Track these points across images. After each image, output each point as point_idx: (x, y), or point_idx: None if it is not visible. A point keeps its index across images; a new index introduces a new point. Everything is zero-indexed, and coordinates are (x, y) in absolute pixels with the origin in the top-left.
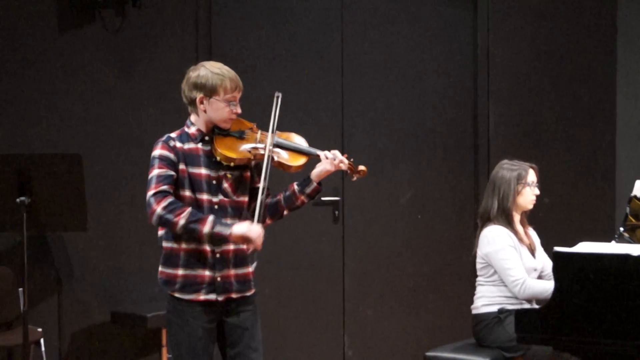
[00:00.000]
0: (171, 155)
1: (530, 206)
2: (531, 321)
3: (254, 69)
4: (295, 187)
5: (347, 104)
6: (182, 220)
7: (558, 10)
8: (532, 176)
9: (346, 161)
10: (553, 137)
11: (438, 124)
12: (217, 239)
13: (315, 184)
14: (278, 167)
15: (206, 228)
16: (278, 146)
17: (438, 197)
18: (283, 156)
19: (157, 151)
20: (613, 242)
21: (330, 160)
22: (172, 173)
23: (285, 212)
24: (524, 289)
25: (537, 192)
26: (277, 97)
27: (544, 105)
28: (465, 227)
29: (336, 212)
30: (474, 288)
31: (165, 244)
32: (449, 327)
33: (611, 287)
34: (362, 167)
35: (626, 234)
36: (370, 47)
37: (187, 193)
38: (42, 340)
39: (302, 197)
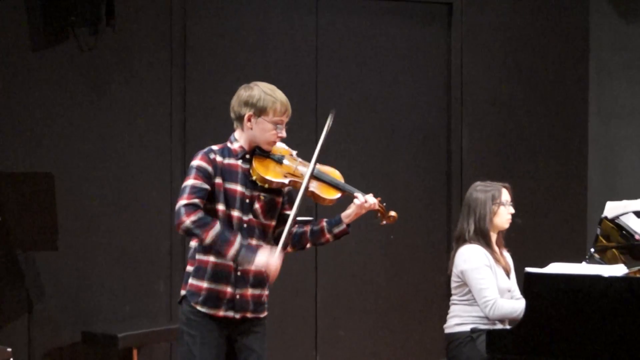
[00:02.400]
0: (209, 168)
1: (507, 225)
2: (503, 341)
3: (229, 88)
4: (325, 224)
5: (320, 124)
6: (208, 240)
7: (531, 28)
8: (505, 195)
9: (378, 206)
10: (525, 157)
11: (411, 142)
12: (239, 263)
13: (344, 226)
14: (310, 197)
15: (232, 250)
16: (315, 177)
17: (411, 218)
18: (318, 187)
19: (196, 161)
20: (584, 263)
21: (362, 203)
22: (207, 187)
23: (308, 245)
24: (494, 309)
25: (512, 210)
26: (330, 118)
27: (517, 125)
28: (438, 247)
29: None
30: (446, 308)
31: (196, 256)
32: (422, 346)
33: (582, 307)
34: (392, 213)
35: (597, 255)
36: (343, 66)
37: (220, 207)
38: None
39: (329, 236)
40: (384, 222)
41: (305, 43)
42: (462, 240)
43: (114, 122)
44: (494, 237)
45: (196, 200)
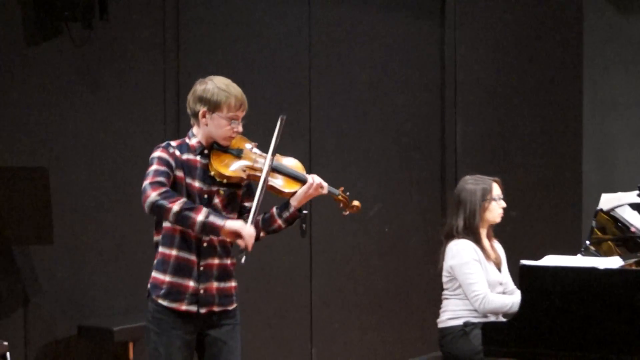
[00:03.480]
0: (170, 159)
1: (498, 219)
2: (498, 334)
3: None
4: (274, 210)
5: (314, 118)
6: (176, 207)
7: (525, 21)
8: (496, 190)
9: (325, 185)
10: (520, 151)
11: (405, 137)
12: (209, 230)
13: (292, 209)
14: (270, 191)
15: (200, 216)
16: (274, 170)
17: (405, 211)
18: (277, 181)
19: (157, 153)
20: (579, 255)
21: (309, 184)
22: (170, 172)
23: (262, 235)
24: (484, 304)
25: (504, 204)
26: (282, 120)
27: (511, 119)
28: (432, 240)
29: (304, 225)
30: (440, 301)
31: (160, 249)
32: (415, 340)
33: (578, 300)
34: (355, 203)
35: (592, 247)
36: (337, 61)
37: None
38: (7, 354)
39: (279, 221)
40: (347, 212)
41: (299, 36)
42: (450, 236)
43: (108, 116)
44: (483, 232)
45: (161, 179)
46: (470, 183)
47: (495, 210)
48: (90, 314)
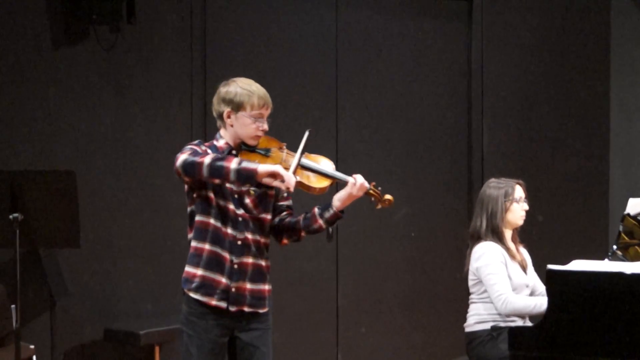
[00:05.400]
0: (200, 150)
1: (520, 222)
2: (525, 339)
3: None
4: (316, 210)
5: (341, 121)
6: (207, 159)
7: (552, 25)
8: (519, 192)
9: (368, 185)
10: (547, 154)
11: (432, 140)
12: (245, 175)
13: (334, 210)
14: (300, 188)
15: (233, 164)
16: (303, 167)
17: (432, 215)
18: (306, 177)
19: (189, 145)
20: (606, 260)
21: (352, 184)
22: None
23: (302, 234)
24: (505, 304)
25: (526, 207)
26: (305, 137)
27: (538, 122)
28: (459, 245)
29: (330, 230)
30: (467, 306)
31: (192, 244)
32: (442, 344)
33: (604, 305)
34: (388, 197)
35: (619, 252)
36: (364, 63)
37: (211, 195)
38: (34, 358)
39: (321, 222)
40: (380, 205)
41: (326, 40)
42: (476, 238)
43: (134, 120)
44: (507, 233)
45: (193, 151)
46: (494, 184)
47: (517, 212)
48: (117, 318)
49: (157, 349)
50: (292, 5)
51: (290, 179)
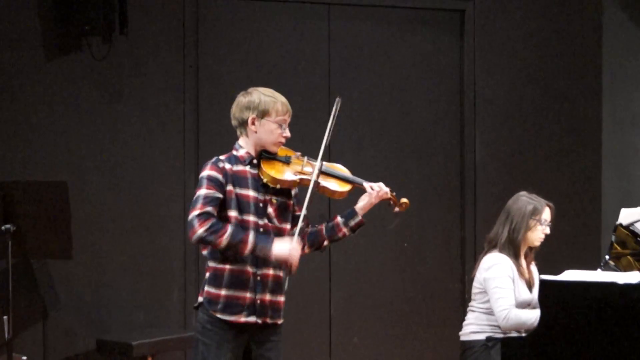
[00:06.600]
0: (219, 177)
1: (537, 243)
2: (518, 349)
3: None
4: (339, 219)
5: (333, 131)
6: (224, 243)
7: (544, 36)
8: (547, 214)
9: (389, 193)
10: (539, 166)
11: (425, 152)
12: (261, 256)
13: (359, 218)
14: (322, 193)
15: (247, 250)
16: (324, 173)
17: (425, 225)
18: (328, 183)
19: (206, 172)
20: (599, 270)
21: (376, 192)
22: (219, 195)
23: (325, 243)
24: (507, 320)
25: (548, 231)
26: (337, 103)
27: (530, 133)
28: (451, 255)
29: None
30: (461, 315)
31: (210, 264)
32: (435, 355)
33: (597, 315)
34: (404, 200)
35: (612, 262)
36: (356, 77)
37: (234, 214)
38: None
39: (345, 230)
40: (397, 209)
41: (318, 50)
42: (493, 245)
43: (127, 131)
44: (523, 249)
45: (209, 209)
46: (525, 199)
47: (538, 234)
48: (109, 329)
49: (149, 359)
50: (285, 16)
51: (295, 263)
